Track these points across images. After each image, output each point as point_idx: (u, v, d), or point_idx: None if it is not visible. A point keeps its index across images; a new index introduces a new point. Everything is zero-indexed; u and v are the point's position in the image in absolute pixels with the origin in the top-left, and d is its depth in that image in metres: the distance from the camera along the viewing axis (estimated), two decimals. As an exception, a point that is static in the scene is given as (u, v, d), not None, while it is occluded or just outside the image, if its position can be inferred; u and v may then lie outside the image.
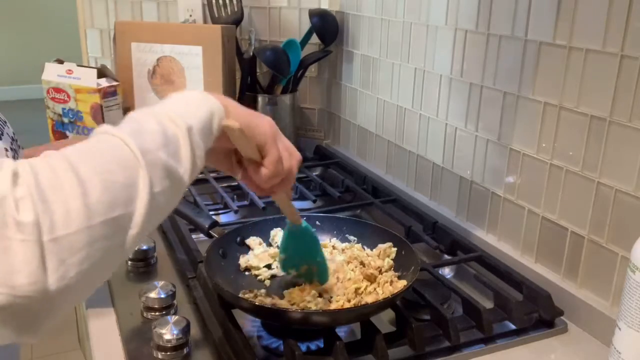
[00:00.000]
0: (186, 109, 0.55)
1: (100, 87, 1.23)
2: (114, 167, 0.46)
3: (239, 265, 0.88)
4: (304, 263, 0.83)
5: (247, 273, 0.87)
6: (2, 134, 0.66)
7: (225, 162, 0.67)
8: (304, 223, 0.81)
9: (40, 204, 0.41)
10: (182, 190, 0.53)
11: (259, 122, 0.63)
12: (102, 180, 0.44)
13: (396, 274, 0.84)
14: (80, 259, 0.42)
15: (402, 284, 0.80)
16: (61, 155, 0.45)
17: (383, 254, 0.87)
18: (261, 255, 0.88)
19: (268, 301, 0.78)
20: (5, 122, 0.68)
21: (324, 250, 0.90)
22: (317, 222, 0.95)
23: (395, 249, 0.87)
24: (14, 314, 0.40)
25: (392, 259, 0.86)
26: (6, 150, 0.65)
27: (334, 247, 0.91)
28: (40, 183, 0.42)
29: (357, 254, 0.88)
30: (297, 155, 0.68)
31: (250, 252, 0.90)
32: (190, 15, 1.50)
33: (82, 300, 0.47)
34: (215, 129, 0.57)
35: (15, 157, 0.67)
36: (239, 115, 0.61)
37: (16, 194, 0.40)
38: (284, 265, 0.85)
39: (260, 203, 1.11)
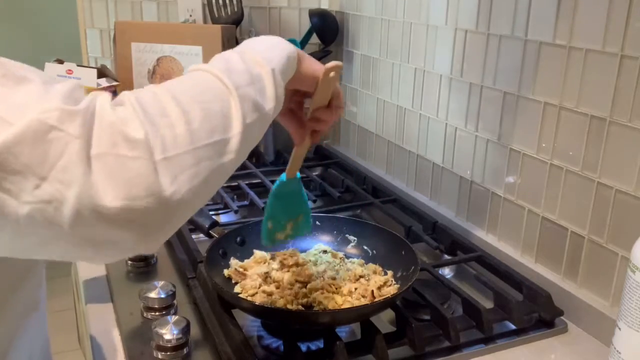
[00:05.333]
0: (269, 52, 0.59)
1: (100, 87, 1.23)
2: (211, 97, 0.50)
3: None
4: (288, 219, 0.81)
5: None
6: None
7: (288, 100, 0.70)
8: (297, 175, 0.79)
9: (149, 126, 0.45)
10: (267, 124, 0.57)
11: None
12: (202, 109, 0.49)
13: (396, 285, 0.83)
14: (191, 176, 0.46)
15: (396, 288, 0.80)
16: (163, 87, 0.50)
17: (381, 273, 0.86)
18: (252, 283, 0.83)
19: (267, 294, 0.78)
20: None
21: (324, 256, 0.89)
22: (317, 222, 0.95)
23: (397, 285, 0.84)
24: (135, 220, 0.43)
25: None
26: None
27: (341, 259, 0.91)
28: (147, 109, 0.46)
29: (359, 272, 0.86)
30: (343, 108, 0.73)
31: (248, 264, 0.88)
32: (190, 15, 1.50)
33: (193, 212, 0.51)
34: (293, 67, 0.62)
35: None
36: (312, 62, 0.66)
37: (120, 115, 0.44)
38: (269, 237, 0.80)
39: (260, 203, 1.11)
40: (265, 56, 0.58)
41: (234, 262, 0.86)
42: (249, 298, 0.79)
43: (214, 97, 0.51)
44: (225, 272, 0.84)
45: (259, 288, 0.81)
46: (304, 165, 1.36)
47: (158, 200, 0.44)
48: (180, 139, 0.46)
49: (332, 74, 0.65)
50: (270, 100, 0.56)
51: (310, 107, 0.70)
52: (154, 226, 0.46)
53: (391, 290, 0.81)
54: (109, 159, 0.43)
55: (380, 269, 0.87)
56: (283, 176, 0.77)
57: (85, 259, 0.49)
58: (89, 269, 0.94)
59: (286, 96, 0.64)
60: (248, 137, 0.53)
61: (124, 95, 0.47)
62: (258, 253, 0.89)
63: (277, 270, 0.85)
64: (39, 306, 0.62)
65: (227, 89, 0.52)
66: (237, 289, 0.82)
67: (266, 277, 0.83)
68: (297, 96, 0.70)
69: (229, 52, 0.58)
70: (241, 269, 0.85)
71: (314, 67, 0.65)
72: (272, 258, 0.89)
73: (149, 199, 0.44)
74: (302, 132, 0.72)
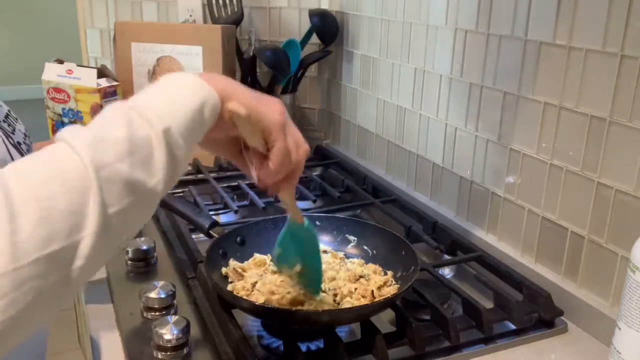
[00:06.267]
0: (170, 101, 0.49)
1: (100, 87, 1.23)
2: (57, 189, 0.40)
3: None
4: (299, 262, 0.78)
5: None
6: (15, 131, 0.66)
7: (229, 149, 0.62)
8: (306, 222, 0.76)
9: None
10: (156, 201, 0.47)
11: (267, 109, 0.57)
12: (40, 208, 0.39)
13: (396, 285, 0.83)
14: (4, 306, 0.37)
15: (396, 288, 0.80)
16: (3, 175, 0.40)
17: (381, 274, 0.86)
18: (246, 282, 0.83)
19: (264, 293, 0.78)
20: (17, 118, 0.69)
21: (324, 256, 0.87)
22: (317, 222, 0.95)
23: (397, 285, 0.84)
24: None
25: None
26: (18, 144, 0.65)
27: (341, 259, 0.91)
28: None
29: (359, 272, 0.86)
30: (305, 148, 0.61)
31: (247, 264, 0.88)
32: (190, 15, 1.50)
33: (23, 339, 0.40)
34: (208, 119, 0.52)
35: (29, 152, 0.67)
36: (244, 99, 0.55)
37: None
38: (278, 260, 0.79)
39: (260, 203, 1.11)
40: (161, 111, 0.47)
41: (233, 263, 0.86)
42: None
43: (62, 188, 0.40)
44: (223, 270, 0.84)
45: (251, 291, 0.80)
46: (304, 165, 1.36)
47: None
48: None
49: (236, 117, 0.54)
50: (159, 170, 0.45)
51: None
52: None
53: (391, 290, 0.81)
54: None
55: (380, 269, 0.87)
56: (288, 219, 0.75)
57: None
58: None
59: (226, 140, 0.57)
60: (115, 227, 0.43)
61: None
62: (258, 256, 0.89)
63: (273, 274, 0.85)
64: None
65: (85, 172, 0.41)
66: (229, 287, 0.81)
67: (255, 284, 0.82)
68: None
69: (119, 107, 0.48)
70: (240, 270, 0.85)
71: (247, 101, 0.55)
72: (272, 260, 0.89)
73: None
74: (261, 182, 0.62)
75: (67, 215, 0.40)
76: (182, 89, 0.51)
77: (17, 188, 0.39)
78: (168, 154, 0.46)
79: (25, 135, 0.68)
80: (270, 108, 0.58)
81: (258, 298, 0.77)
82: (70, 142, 0.43)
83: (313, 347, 0.76)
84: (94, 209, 0.41)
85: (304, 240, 0.78)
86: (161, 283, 0.82)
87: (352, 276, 0.84)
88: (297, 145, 0.60)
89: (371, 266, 0.87)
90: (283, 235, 0.77)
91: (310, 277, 0.79)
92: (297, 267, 0.78)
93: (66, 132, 0.44)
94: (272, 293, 0.79)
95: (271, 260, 0.84)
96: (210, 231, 0.90)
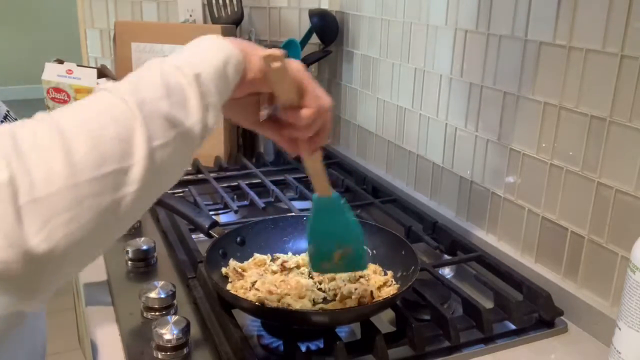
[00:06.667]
0: (196, 56, 0.51)
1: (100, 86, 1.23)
2: (105, 121, 0.43)
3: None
4: (336, 248, 0.72)
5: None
6: None
7: (250, 114, 0.62)
8: (333, 194, 0.69)
9: (17, 163, 0.38)
10: (194, 143, 0.49)
11: (289, 65, 0.57)
12: (91, 137, 0.41)
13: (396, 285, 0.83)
14: (67, 219, 0.39)
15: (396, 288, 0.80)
16: (48, 115, 0.43)
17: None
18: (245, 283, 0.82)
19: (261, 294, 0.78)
20: (17, 119, 0.69)
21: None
22: (317, 222, 0.95)
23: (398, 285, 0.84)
24: (4, 279, 0.38)
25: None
26: None
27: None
28: (18, 143, 0.39)
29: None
30: (329, 100, 0.61)
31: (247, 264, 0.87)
32: (190, 15, 1.50)
33: (79, 268, 0.43)
34: (233, 75, 0.53)
35: None
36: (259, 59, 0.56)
37: None
38: (315, 264, 0.74)
39: (260, 203, 1.11)
40: (190, 61, 0.50)
41: (233, 263, 0.86)
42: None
43: (109, 120, 0.43)
44: (223, 270, 0.84)
45: (249, 290, 0.80)
46: (304, 165, 1.36)
47: (21, 252, 0.37)
48: (56, 175, 0.39)
49: (274, 64, 0.55)
50: (195, 112, 0.48)
51: (281, 111, 0.60)
52: (24, 285, 0.39)
53: (391, 290, 0.81)
54: None
55: (380, 269, 0.87)
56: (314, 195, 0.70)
57: None
58: (89, 272, 0.94)
59: (247, 104, 0.58)
60: (160, 162, 0.45)
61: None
62: (258, 256, 0.89)
63: (273, 273, 0.85)
64: (23, 321, 0.60)
65: (129, 108, 0.44)
66: (229, 287, 0.81)
67: (255, 282, 0.82)
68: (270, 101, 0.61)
69: (149, 62, 0.51)
70: (240, 270, 0.85)
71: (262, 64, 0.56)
72: (273, 260, 0.89)
73: (10, 251, 0.37)
74: (287, 143, 0.63)
75: (117, 142, 0.42)
76: (207, 46, 0.54)
77: (67, 122, 0.42)
78: (201, 99, 0.48)
79: None
80: (293, 64, 0.58)
81: (258, 298, 0.77)
82: (110, 90, 0.46)
83: (313, 347, 0.76)
84: (140, 140, 0.43)
85: (335, 216, 0.71)
86: (161, 283, 0.82)
87: (352, 276, 0.84)
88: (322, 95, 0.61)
89: (371, 266, 0.87)
90: (311, 225, 0.71)
91: (353, 255, 0.74)
92: (337, 255, 0.73)
93: (103, 85, 0.48)
94: (272, 293, 0.79)
95: (309, 268, 0.77)
96: (210, 231, 0.90)
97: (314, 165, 0.66)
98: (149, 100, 0.45)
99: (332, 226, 0.72)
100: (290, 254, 0.92)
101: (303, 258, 0.89)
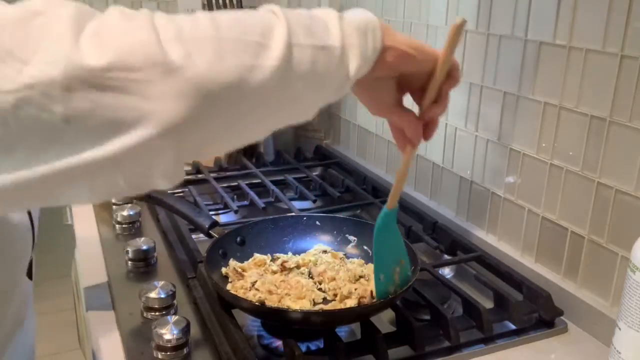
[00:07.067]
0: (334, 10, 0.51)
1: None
2: (249, 13, 0.45)
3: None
4: (394, 265, 0.70)
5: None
6: None
7: (387, 94, 0.62)
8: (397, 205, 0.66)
9: (161, 20, 0.40)
10: (334, 62, 0.47)
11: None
12: (234, 17, 0.43)
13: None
14: (211, 57, 0.40)
15: None
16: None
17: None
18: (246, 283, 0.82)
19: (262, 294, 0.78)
20: None
21: (324, 256, 0.85)
22: (317, 222, 0.95)
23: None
24: (135, 92, 0.37)
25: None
26: None
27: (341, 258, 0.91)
28: (162, 14, 0.41)
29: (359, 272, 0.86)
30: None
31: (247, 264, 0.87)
32: (191, 15, 1.50)
33: (216, 137, 0.43)
34: (371, 39, 0.51)
35: None
36: (401, 36, 0.56)
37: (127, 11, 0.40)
38: (381, 291, 0.71)
39: (261, 203, 1.11)
40: (329, 11, 0.50)
41: (233, 263, 0.86)
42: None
43: (252, 13, 0.45)
44: (223, 270, 0.84)
45: (249, 290, 0.80)
46: (303, 165, 1.36)
47: (165, 70, 0.37)
48: (200, 28, 0.40)
49: (461, 26, 0.54)
50: (336, 37, 0.47)
51: (430, 89, 0.60)
52: (167, 106, 0.38)
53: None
54: (103, 30, 0.37)
55: None
56: (384, 209, 0.66)
57: (89, 174, 0.39)
58: (89, 272, 0.94)
59: (385, 88, 0.58)
60: (296, 61, 0.44)
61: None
62: (258, 256, 0.89)
63: (273, 273, 0.85)
64: (24, 322, 0.60)
65: (274, 14, 0.45)
66: (228, 287, 0.81)
67: (255, 282, 0.82)
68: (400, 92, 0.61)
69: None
70: (240, 269, 0.85)
71: (408, 40, 0.56)
72: (273, 260, 0.89)
73: (151, 71, 0.37)
74: (418, 126, 0.63)
75: (259, 25, 0.43)
76: (351, 13, 0.53)
77: (213, 14, 0.43)
78: (341, 32, 0.48)
79: None
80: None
81: (258, 298, 0.77)
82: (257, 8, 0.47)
83: (313, 347, 0.76)
84: (281, 30, 0.44)
85: (391, 233, 0.69)
86: (161, 283, 0.82)
87: (352, 276, 0.84)
88: None
89: (371, 266, 0.87)
90: (376, 253, 0.67)
91: (405, 267, 0.73)
92: (396, 273, 0.72)
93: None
94: (272, 293, 0.79)
95: (375, 296, 0.74)
96: (210, 231, 0.90)
97: (407, 165, 0.66)
98: (291, 16, 0.46)
99: (392, 241, 0.71)
100: (290, 254, 0.92)
101: (303, 258, 0.89)
